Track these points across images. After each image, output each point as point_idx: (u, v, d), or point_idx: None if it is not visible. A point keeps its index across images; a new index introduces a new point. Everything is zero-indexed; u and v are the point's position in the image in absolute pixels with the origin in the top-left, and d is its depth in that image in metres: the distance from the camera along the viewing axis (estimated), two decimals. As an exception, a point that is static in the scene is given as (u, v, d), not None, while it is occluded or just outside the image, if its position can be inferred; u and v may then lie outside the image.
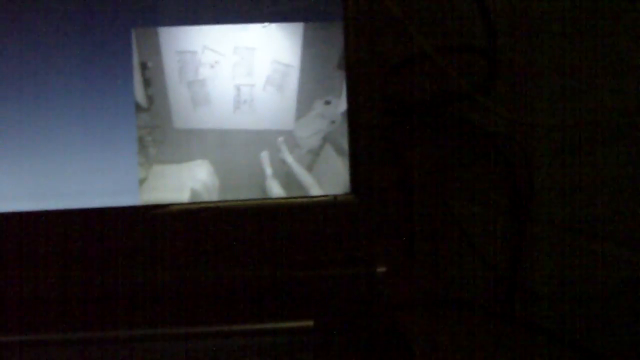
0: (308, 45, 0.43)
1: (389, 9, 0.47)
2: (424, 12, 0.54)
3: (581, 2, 0.54)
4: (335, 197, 0.43)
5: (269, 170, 0.43)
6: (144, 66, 0.43)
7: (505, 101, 0.54)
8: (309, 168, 0.44)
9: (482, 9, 0.52)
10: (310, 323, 0.41)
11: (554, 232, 0.53)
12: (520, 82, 0.54)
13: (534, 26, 0.54)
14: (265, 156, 0.43)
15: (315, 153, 0.44)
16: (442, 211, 0.53)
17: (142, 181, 0.43)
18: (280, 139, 0.43)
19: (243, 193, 0.43)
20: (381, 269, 0.43)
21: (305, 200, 0.43)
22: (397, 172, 0.52)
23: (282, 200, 0.43)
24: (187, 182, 0.43)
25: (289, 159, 0.43)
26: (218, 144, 0.43)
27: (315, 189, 0.43)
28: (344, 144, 0.43)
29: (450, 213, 0.52)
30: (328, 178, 0.43)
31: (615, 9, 0.54)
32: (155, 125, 0.43)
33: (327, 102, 0.43)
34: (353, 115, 0.43)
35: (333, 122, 0.43)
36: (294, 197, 0.43)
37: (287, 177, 0.43)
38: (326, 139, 0.44)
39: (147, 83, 0.43)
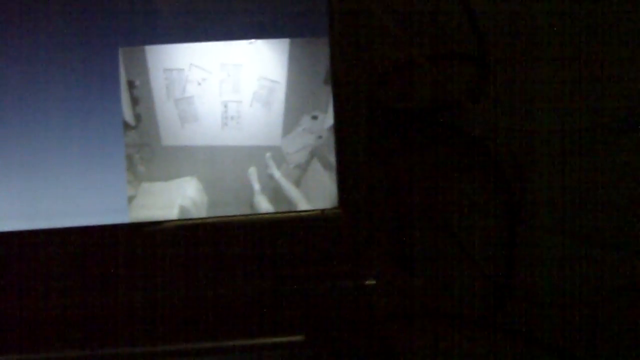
0: (294, 61, 0.44)
1: (379, 17, 0.48)
2: (414, 20, 0.54)
3: (576, 7, 0.54)
4: (323, 211, 0.43)
5: (257, 186, 0.44)
6: (131, 84, 0.43)
7: (497, 108, 0.54)
8: (297, 183, 0.44)
9: (470, 16, 0.53)
10: (301, 337, 0.41)
11: (548, 238, 0.53)
12: (511, 88, 0.55)
13: (528, 32, 0.54)
14: (253, 172, 0.44)
15: (303, 168, 0.44)
16: (435, 220, 0.53)
17: (131, 199, 0.43)
18: (268, 154, 0.43)
19: (231, 209, 0.44)
20: (370, 282, 0.43)
21: (293, 215, 0.43)
22: (388, 181, 0.53)
23: (271, 216, 0.43)
24: (175, 199, 0.43)
25: (277, 174, 0.43)
26: (206, 160, 0.44)
27: (303, 204, 0.44)
28: (331, 158, 0.44)
29: (443, 222, 0.53)
30: (316, 193, 0.44)
31: (611, 14, 0.54)
32: (143, 143, 0.43)
33: (314, 118, 0.44)
34: (340, 130, 0.43)
35: (320, 137, 0.44)
36: (282, 212, 0.43)
37: (275, 192, 0.44)
38: (313, 154, 0.44)
39: (134, 101, 0.43)
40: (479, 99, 0.54)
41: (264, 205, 0.44)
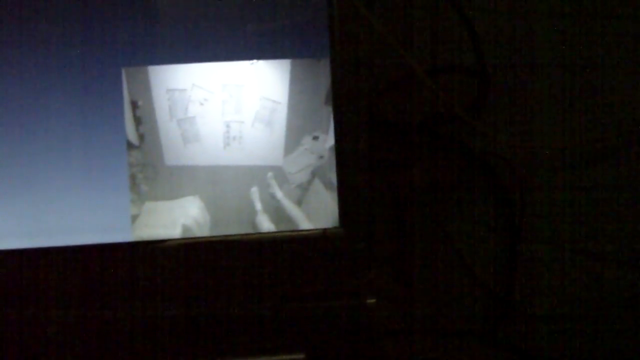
0: (295, 82, 0.44)
1: (379, 31, 0.48)
2: (414, 34, 0.55)
3: (575, 20, 0.55)
4: (324, 230, 0.44)
5: (258, 206, 0.44)
6: (134, 104, 0.44)
7: (495, 121, 0.54)
8: (298, 203, 0.44)
9: (470, 31, 0.53)
10: (302, 356, 0.42)
11: (548, 253, 0.54)
12: (511, 102, 0.55)
13: (527, 45, 0.55)
14: (255, 192, 0.44)
15: (304, 188, 0.44)
16: (436, 234, 0.53)
17: (134, 218, 0.44)
18: (270, 174, 0.44)
19: (233, 228, 0.44)
20: (371, 301, 0.44)
21: (294, 234, 0.44)
22: (388, 196, 0.53)
23: (272, 235, 0.44)
24: (178, 218, 0.44)
25: (279, 194, 0.44)
26: (208, 180, 0.44)
27: (304, 223, 0.44)
28: (333, 178, 0.44)
29: (445, 235, 0.53)
30: (317, 212, 0.44)
31: (611, 27, 0.55)
32: (146, 163, 0.44)
33: (315, 138, 0.44)
34: (340, 150, 0.44)
35: (321, 157, 0.44)
36: (284, 232, 0.44)
37: (276, 212, 0.44)
38: (315, 173, 0.44)
39: (137, 121, 0.44)
40: (479, 112, 0.54)
41: (266, 225, 0.44)
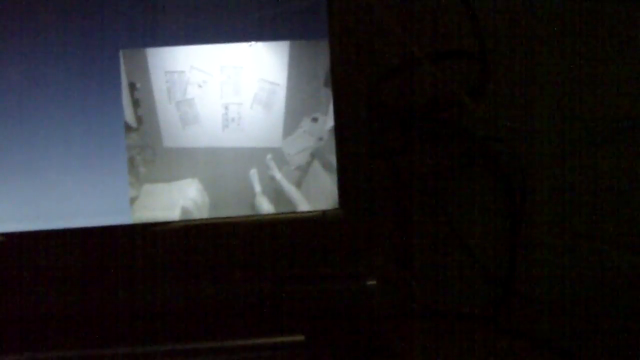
0: (294, 64, 0.44)
1: (379, 17, 0.48)
2: (414, 18, 0.54)
3: (576, 5, 0.54)
4: (323, 212, 0.44)
5: (258, 187, 0.44)
6: (132, 87, 0.43)
7: (496, 105, 0.54)
8: (298, 184, 0.44)
9: (471, 14, 0.53)
10: (302, 337, 0.42)
11: (549, 236, 0.54)
12: (512, 86, 0.55)
13: (526, 30, 0.54)
14: (254, 173, 0.44)
15: (304, 169, 0.44)
16: (438, 218, 0.53)
17: (133, 200, 0.44)
18: (269, 156, 0.44)
19: (233, 210, 0.44)
20: (371, 282, 0.43)
21: (294, 215, 0.44)
22: (389, 180, 0.53)
23: (272, 216, 0.44)
24: (177, 200, 0.44)
25: (278, 175, 0.44)
26: (207, 162, 0.44)
27: (303, 205, 0.44)
28: (332, 160, 0.44)
29: (446, 219, 0.53)
30: (316, 194, 0.44)
31: (610, 12, 0.54)
32: (145, 145, 0.44)
33: (314, 120, 0.44)
34: (340, 132, 0.44)
35: (320, 139, 0.44)
36: (283, 213, 0.44)
37: (276, 193, 0.44)
38: (314, 155, 0.44)
39: (136, 103, 0.43)
40: (480, 97, 0.54)
41: (265, 206, 0.44)
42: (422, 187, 0.53)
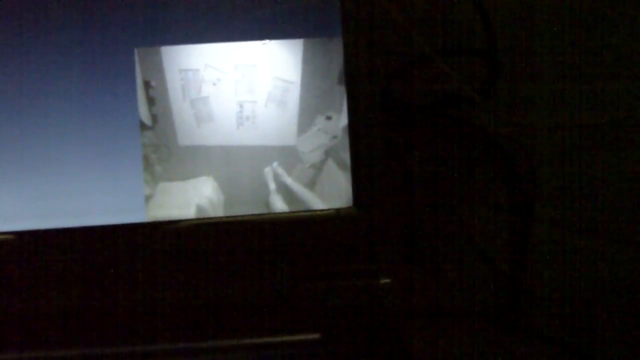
0: (308, 62, 0.44)
1: (390, 13, 0.48)
2: (425, 15, 0.55)
3: (581, 3, 0.54)
4: (337, 210, 0.44)
5: (272, 185, 0.44)
6: (147, 85, 0.44)
7: (506, 103, 0.54)
8: (312, 182, 0.44)
9: (482, 12, 0.53)
10: (317, 335, 0.42)
11: (558, 234, 0.54)
12: (521, 83, 0.55)
13: (534, 27, 0.54)
14: (268, 171, 0.44)
15: (318, 168, 0.44)
16: (445, 215, 0.53)
17: (148, 198, 0.44)
18: (275, 163, 0.44)
19: (247, 208, 0.44)
20: (385, 281, 0.44)
21: (308, 214, 0.44)
22: (399, 176, 0.53)
23: (286, 215, 0.44)
24: (192, 198, 0.44)
25: (288, 180, 0.44)
26: (222, 160, 0.44)
27: (316, 205, 0.44)
28: (346, 158, 0.44)
29: (454, 217, 0.53)
30: (330, 192, 0.44)
31: (615, 10, 0.54)
32: (160, 143, 0.44)
33: (328, 118, 0.44)
34: (354, 130, 0.44)
35: (334, 137, 0.44)
36: (297, 212, 0.44)
37: (290, 192, 0.44)
38: (328, 153, 0.44)
39: (151, 101, 0.44)
40: (490, 94, 0.54)
41: (280, 205, 0.44)
42: (432, 183, 0.53)
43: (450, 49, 0.55)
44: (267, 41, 0.44)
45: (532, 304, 0.53)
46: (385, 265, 0.44)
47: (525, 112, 0.54)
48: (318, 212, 0.44)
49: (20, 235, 0.43)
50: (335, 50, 0.44)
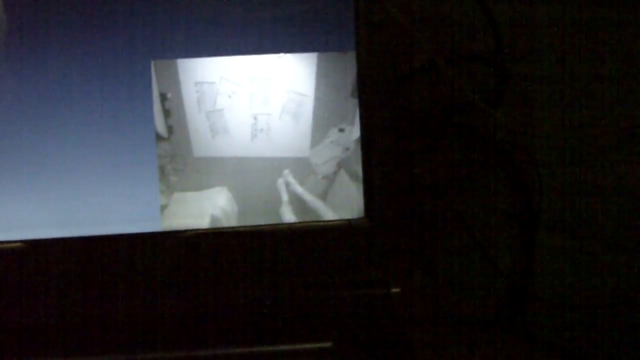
0: (322, 75, 0.45)
1: (397, 20, 0.49)
2: (432, 22, 0.55)
3: (584, 10, 0.55)
4: (349, 221, 0.45)
5: (285, 196, 0.45)
6: (163, 97, 0.44)
7: (517, 112, 0.55)
8: (324, 193, 0.45)
9: (490, 19, 0.53)
10: (329, 344, 0.43)
11: (563, 239, 0.54)
12: (525, 90, 0.56)
13: (538, 33, 0.55)
14: (281, 183, 0.45)
15: (330, 179, 0.45)
16: (452, 222, 0.54)
17: (163, 208, 0.44)
18: (286, 171, 0.45)
19: (261, 218, 0.45)
20: (395, 290, 0.44)
21: (320, 224, 0.45)
22: (407, 185, 0.53)
23: (298, 225, 0.45)
24: (207, 208, 0.45)
25: (300, 190, 0.45)
26: (236, 171, 0.45)
27: (328, 215, 0.45)
28: (358, 170, 0.45)
29: (462, 224, 0.53)
30: (343, 203, 0.45)
31: (618, 16, 0.55)
32: (175, 154, 0.44)
33: (341, 130, 0.45)
34: (366, 142, 0.45)
35: (347, 149, 0.45)
36: (310, 222, 0.45)
37: (302, 203, 0.45)
38: (340, 165, 0.45)
39: (167, 113, 0.44)
40: (498, 102, 0.55)
41: (292, 215, 0.45)
42: (441, 191, 0.54)
43: (459, 55, 0.55)
44: (282, 54, 0.45)
45: (537, 311, 0.53)
46: (396, 274, 0.45)
47: (535, 120, 0.55)
48: (330, 223, 0.45)
49: (35, 243, 0.44)
50: (349, 64, 0.45)
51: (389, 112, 0.44)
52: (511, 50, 0.55)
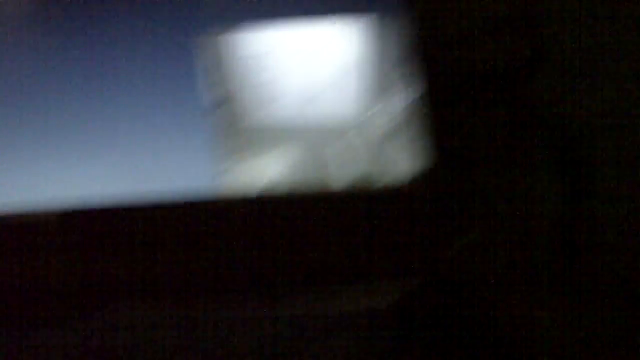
0: (372, 41, 0.45)
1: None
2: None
3: None
4: (400, 186, 0.46)
5: (337, 162, 0.46)
6: (213, 70, 0.46)
7: (566, 82, 0.54)
8: (375, 160, 0.46)
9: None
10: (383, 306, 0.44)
11: (611, 209, 0.54)
12: (573, 59, 0.55)
13: (585, 12, 0.54)
14: (332, 150, 0.46)
15: (382, 146, 0.46)
16: (502, 192, 0.54)
17: (219, 176, 0.46)
18: (339, 142, 0.45)
19: (314, 184, 0.46)
20: (450, 253, 0.45)
21: (372, 190, 0.46)
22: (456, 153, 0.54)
23: (351, 190, 0.46)
24: (261, 175, 0.46)
25: (351, 157, 0.46)
26: (288, 139, 0.46)
27: (379, 181, 0.46)
28: (411, 135, 0.46)
29: (510, 194, 0.54)
30: (394, 170, 0.46)
31: None
32: (229, 124, 0.46)
33: (394, 95, 0.46)
34: (421, 107, 0.45)
35: (400, 114, 0.46)
36: (361, 188, 0.46)
37: (353, 169, 0.46)
38: (394, 131, 0.46)
39: (218, 85, 0.46)
40: (538, 69, 0.54)
41: (343, 181, 0.46)
42: (488, 160, 0.54)
43: (499, 21, 0.55)
44: (331, 23, 0.45)
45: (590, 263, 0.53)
46: (452, 238, 0.45)
47: (582, 90, 0.54)
48: (381, 189, 0.46)
49: (96, 211, 0.46)
50: (401, 30, 0.45)
51: (443, 76, 0.44)
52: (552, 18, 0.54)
